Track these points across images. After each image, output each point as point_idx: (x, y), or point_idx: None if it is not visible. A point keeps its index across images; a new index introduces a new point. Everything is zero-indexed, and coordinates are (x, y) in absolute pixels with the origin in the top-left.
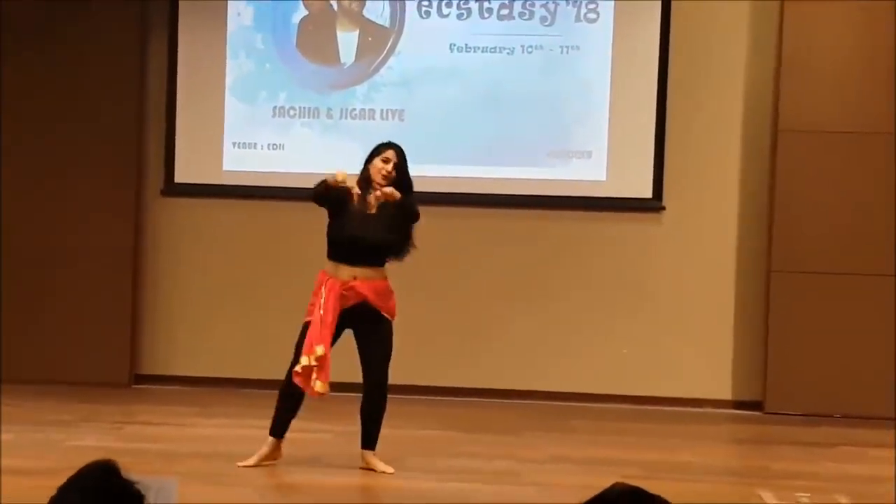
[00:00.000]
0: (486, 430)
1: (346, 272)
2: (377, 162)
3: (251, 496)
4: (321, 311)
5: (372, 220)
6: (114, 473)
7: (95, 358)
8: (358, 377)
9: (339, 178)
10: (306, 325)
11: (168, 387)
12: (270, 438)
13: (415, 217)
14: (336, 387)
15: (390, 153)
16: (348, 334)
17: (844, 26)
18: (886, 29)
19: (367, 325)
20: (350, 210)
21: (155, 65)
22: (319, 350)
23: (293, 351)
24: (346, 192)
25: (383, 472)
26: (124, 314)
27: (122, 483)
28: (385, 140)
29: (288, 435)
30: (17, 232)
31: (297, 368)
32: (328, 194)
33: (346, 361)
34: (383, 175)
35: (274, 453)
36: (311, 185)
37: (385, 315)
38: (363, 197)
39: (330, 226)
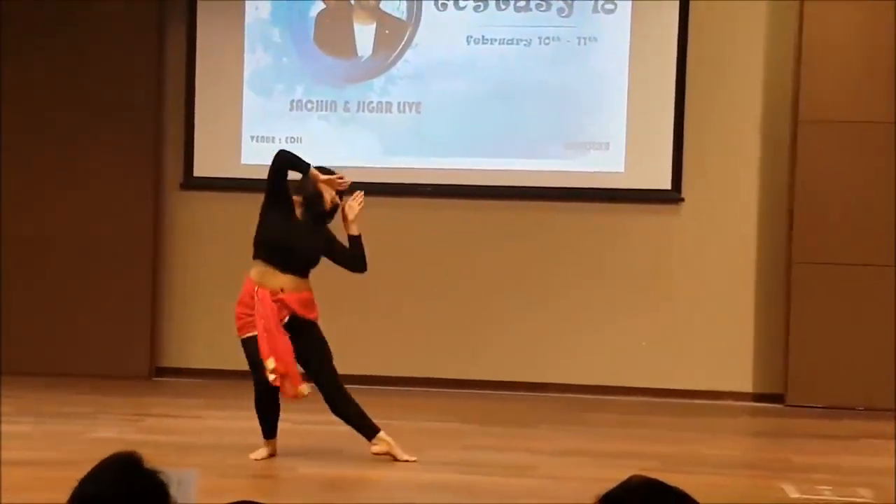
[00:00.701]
0: (501, 422)
1: (273, 281)
2: (326, 178)
3: (269, 488)
4: (263, 322)
5: (313, 231)
6: (136, 465)
7: (115, 351)
8: (369, 369)
9: None
10: (247, 341)
11: (188, 379)
12: (264, 441)
13: (360, 268)
14: (350, 379)
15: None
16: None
17: (866, 15)
18: None
19: (301, 336)
20: (293, 215)
21: (173, 59)
22: (270, 364)
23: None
24: (317, 194)
25: (398, 458)
26: (144, 307)
27: (145, 474)
28: (402, 134)
29: (305, 428)
30: (38, 227)
31: (276, 383)
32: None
33: (359, 354)
34: (337, 193)
35: (272, 449)
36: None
37: (312, 319)
38: (310, 204)
39: (268, 224)
